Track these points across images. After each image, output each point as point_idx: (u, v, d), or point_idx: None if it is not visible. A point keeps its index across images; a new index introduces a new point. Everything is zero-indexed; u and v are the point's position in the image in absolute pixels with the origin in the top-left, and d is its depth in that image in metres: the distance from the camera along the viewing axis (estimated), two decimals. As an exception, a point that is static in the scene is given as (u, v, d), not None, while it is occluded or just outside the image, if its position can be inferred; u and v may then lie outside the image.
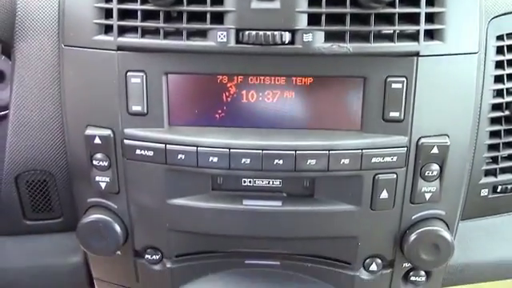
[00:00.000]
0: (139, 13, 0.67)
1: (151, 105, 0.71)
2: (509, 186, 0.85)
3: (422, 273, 0.81)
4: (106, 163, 0.74)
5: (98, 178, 0.75)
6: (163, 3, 0.65)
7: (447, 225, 0.77)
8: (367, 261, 0.79)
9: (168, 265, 0.81)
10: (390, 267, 0.80)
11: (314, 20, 0.66)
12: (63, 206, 0.85)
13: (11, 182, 0.82)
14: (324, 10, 0.65)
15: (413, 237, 0.74)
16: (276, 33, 0.65)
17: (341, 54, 0.67)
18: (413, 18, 0.67)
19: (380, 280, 0.81)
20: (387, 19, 0.67)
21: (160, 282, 0.83)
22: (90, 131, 0.73)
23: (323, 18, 0.65)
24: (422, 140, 0.71)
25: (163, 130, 0.72)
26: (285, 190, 0.75)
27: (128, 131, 0.72)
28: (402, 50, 0.68)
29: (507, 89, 0.79)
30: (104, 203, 0.78)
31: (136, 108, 0.71)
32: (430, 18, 0.68)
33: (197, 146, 0.70)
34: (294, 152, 0.70)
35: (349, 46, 0.66)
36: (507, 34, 0.78)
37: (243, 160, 0.70)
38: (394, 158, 0.71)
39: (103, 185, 0.76)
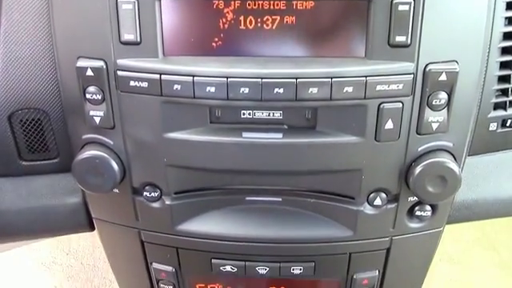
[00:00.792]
0: None
1: (144, 33, 0.68)
2: (518, 120, 0.82)
3: (428, 207, 0.79)
4: (99, 96, 0.71)
5: (92, 113, 0.73)
6: None
7: (454, 157, 0.74)
8: (371, 195, 0.77)
9: (167, 202, 0.79)
10: (394, 202, 0.78)
11: None
12: (59, 147, 0.83)
13: (5, 121, 0.80)
14: None
15: (419, 169, 0.71)
16: None
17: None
18: None
19: (384, 215, 0.79)
20: None
21: (159, 220, 0.81)
22: (81, 63, 0.70)
23: None
24: (430, 66, 0.67)
25: (158, 60, 0.69)
26: (286, 121, 0.72)
27: (121, 62, 0.69)
28: None
29: (520, 17, 0.75)
30: (99, 139, 0.75)
31: (128, 36, 0.68)
32: None
33: (193, 76, 0.67)
34: (294, 80, 0.66)
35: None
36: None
37: (242, 89, 0.67)
38: (400, 86, 0.68)
39: (97, 119, 0.73)
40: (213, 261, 0.85)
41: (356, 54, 0.68)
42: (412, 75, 0.68)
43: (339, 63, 0.67)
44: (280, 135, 0.71)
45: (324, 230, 0.80)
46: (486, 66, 0.75)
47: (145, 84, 0.69)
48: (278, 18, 0.67)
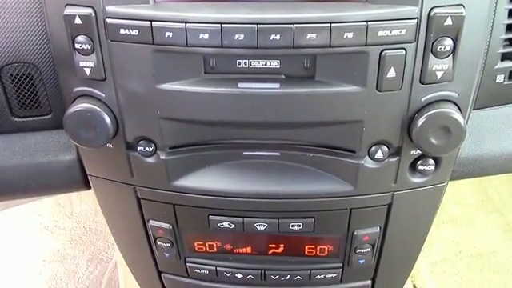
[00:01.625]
0: None
1: None
2: (527, 72, 0.78)
3: (431, 161, 0.77)
4: (88, 46, 0.68)
5: (81, 64, 0.70)
6: None
7: (459, 108, 0.71)
8: (372, 148, 0.74)
9: (162, 157, 0.76)
10: (396, 155, 0.75)
11: None
12: (51, 102, 0.81)
13: (-6, 76, 0.77)
14: None
15: (422, 120, 0.69)
16: None
17: None
18: None
19: (386, 169, 0.76)
20: None
21: (155, 176, 0.79)
22: (69, 10, 0.67)
23: None
24: (435, 10, 0.64)
25: (148, 7, 0.66)
26: (283, 71, 0.69)
27: (110, 9, 0.66)
28: None
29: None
30: (91, 92, 0.73)
31: None
32: None
33: (185, 22, 0.64)
34: (292, 26, 0.63)
35: None
36: None
37: (236, 36, 0.64)
38: (403, 32, 0.64)
39: (88, 71, 0.70)
40: (210, 217, 0.83)
41: None
42: (416, 20, 0.64)
43: (339, 7, 0.64)
44: (277, 85, 0.69)
45: (324, 184, 0.78)
46: (494, 14, 0.71)
47: (135, 32, 0.66)
48: (275, -40, 0.64)
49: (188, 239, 0.89)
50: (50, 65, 0.77)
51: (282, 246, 0.89)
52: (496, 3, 0.71)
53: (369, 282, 0.97)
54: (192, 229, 0.88)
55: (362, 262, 0.90)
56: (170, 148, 0.76)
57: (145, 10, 0.65)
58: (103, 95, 0.72)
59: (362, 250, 0.88)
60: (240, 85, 0.69)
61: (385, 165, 0.75)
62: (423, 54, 0.66)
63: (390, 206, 0.82)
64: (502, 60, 0.77)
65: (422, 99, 0.70)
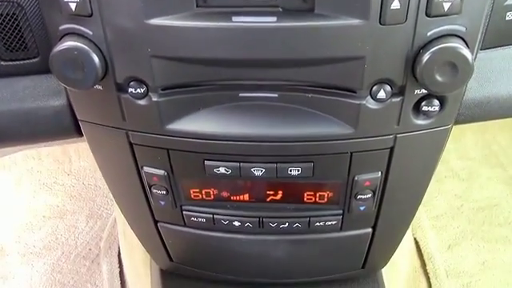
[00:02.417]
0: None
1: None
2: (539, 8, 0.74)
3: (436, 102, 0.73)
4: None
5: None
6: None
7: (467, 44, 0.67)
8: (375, 87, 0.70)
9: (154, 99, 0.73)
10: (399, 95, 0.71)
11: None
12: (38, 45, 0.77)
13: (-23, 14, 0.74)
14: None
15: (427, 55, 0.64)
16: None
17: None
18: None
19: (388, 110, 0.73)
20: None
21: (147, 119, 0.76)
22: None
23: None
24: None
25: None
26: (280, 3, 0.65)
27: None
28: None
29: None
30: (77, 29, 0.69)
31: None
32: None
33: None
34: None
35: None
36: None
37: None
38: None
39: (73, 6, 0.66)
40: (206, 162, 0.80)
41: None
42: None
43: None
44: (274, 19, 0.64)
45: (323, 127, 0.74)
46: None
47: None
48: None
49: (184, 186, 0.87)
50: (35, 3, 0.73)
51: (280, 192, 0.87)
52: None
53: (369, 230, 0.95)
54: (187, 175, 0.85)
55: (362, 208, 0.87)
56: (163, 89, 0.73)
57: None
58: (90, 33, 0.68)
59: (363, 197, 0.85)
60: (234, 18, 0.65)
61: (387, 105, 0.72)
62: None
63: (392, 149, 0.79)
64: (513, -5, 0.73)
65: (428, 33, 0.66)
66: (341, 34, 0.65)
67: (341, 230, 0.92)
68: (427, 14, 0.64)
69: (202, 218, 0.91)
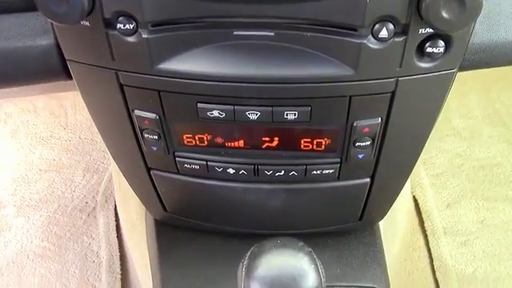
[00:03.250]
0: None
1: None
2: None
3: (441, 42, 0.69)
4: None
5: None
6: None
7: None
8: (377, 26, 0.66)
9: (144, 35, 0.69)
10: (403, 34, 0.67)
11: None
12: None
13: None
14: None
15: (433, -11, 0.61)
16: None
17: None
18: None
19: (390, 50, 0.69)
20: None
21: (137, 58, 0.72)
22: None
23: None
24: None
25: None
26: None
27: None
28: None
29: None
30: None
31: None
32: None
33: None
34: None
35: None
36: None
37: None
38: None
39: None
40: (199, 105, 0.77)
41: None
42: None
43: None
44: None
45: (322, 68, 0.71)
46: None
47: None
48: None
49: (176, 131, 0.84)
50: None
51: (276, 139, 0.84)
52: None
53: (368, 180, 0.93)
54: (180, 119, 0.82)
55: (361, 156, 0.84)
56: (153, 26, 0.69)
57: None
58: None
59: (362, 144, 0.82)
60: None
61: (390, 45, 0.68)
62: None
63: (393, 93, 0.75)
64: None
65: None
66: (342, -35, 0.61)
67: (338, 179, 0.90)
68: None
69: (196, 164, 0.88)
